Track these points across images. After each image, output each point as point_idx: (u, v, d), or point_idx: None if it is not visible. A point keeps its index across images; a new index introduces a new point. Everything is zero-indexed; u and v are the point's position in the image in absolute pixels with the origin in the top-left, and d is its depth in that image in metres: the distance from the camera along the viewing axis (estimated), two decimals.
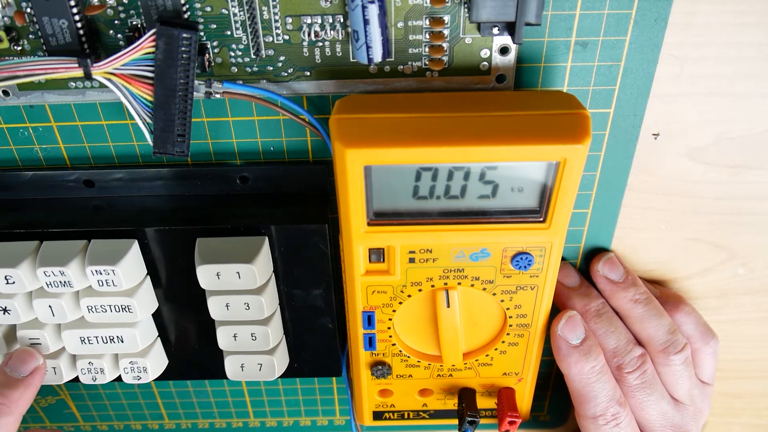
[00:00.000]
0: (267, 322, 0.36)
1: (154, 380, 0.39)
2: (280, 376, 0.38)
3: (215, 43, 0.31)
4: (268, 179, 0.35)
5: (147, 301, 0.35)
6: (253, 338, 0.36)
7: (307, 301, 0.37)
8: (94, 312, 0.34)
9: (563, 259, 0.39)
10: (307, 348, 0.39)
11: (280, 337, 0.38)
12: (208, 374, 0.40)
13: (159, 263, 0.35)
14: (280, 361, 0.38)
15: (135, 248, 0.34)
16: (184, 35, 0.28)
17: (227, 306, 0.34)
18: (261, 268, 0.33)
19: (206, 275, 0.33)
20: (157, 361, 0.38)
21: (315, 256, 0.35)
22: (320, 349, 0.39)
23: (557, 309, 0.38)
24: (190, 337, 0.38)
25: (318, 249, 0.34)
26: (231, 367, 0.37)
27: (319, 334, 0.38)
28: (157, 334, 0.38)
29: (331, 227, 0.34)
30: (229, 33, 0.30)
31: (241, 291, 0.34)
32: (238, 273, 0.33)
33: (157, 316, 0.37)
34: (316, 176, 0.35)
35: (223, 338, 0.36)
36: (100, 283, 0.33)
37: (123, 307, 0.34)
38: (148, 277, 0.35)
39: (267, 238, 0.34)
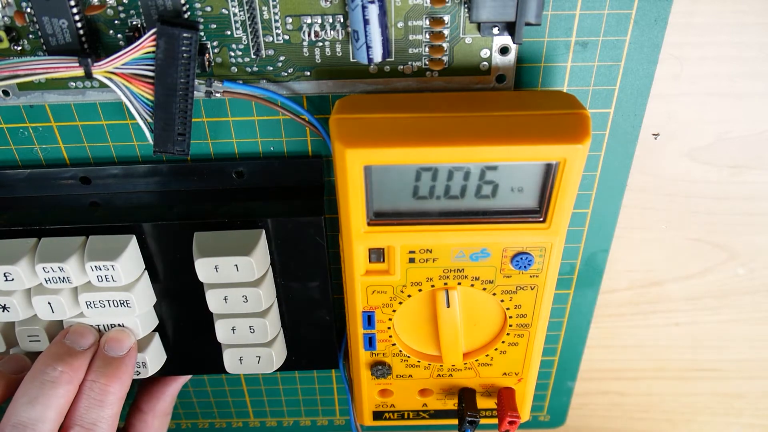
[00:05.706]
0: (265, 315, 0.36)
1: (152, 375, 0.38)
2: (278, 369, 0.38)
3: (215, 43, 0.31)
4: (264, 173, 0.35)
5: (145, 295, 0.35)
6: (252, 331, 0.36)
7: (304, 294, 0.37)
8: (93, 307, 0.34)
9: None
10: (304, 340, 0.39)
11: (278, 330, 0.38)
12: (207, 368, 0.40)
13: (157, 258, 0.35)
14: (278, 353, 0.38)
15: (133, 243, 0.34)
16: (185, 35, 0.28)
17: (225, 299, 0.35)
18: (259, 260, 0.33)
19: (204, 268, 0.33)
20: (156, 356, 0.38)
21: (311, 248, 0.35)
22: (317, 341, 0.39)
23: (557, 309, 0.38)
24: (188, 332, 0.38)
25: (314, 241, 0.34)
26: (230, 360, 0.38)
27: (316, 326, 0.38)
28: (155, 328, 0.38)
29: (327, 220, 0.34)
30: (229, 33, 0.30)
31: (239, 284, 0.34)
32: (236, 265, 0.33)
33: (155, 310, 0.37)
34: (312, 169, 0.35)
35: (222, 331, 0.36)
36: (99, 279, 0.33)
37: (122, 302, 0.34)
38: (146, 272, 0.35)
39: (264, 231, 0.34)
